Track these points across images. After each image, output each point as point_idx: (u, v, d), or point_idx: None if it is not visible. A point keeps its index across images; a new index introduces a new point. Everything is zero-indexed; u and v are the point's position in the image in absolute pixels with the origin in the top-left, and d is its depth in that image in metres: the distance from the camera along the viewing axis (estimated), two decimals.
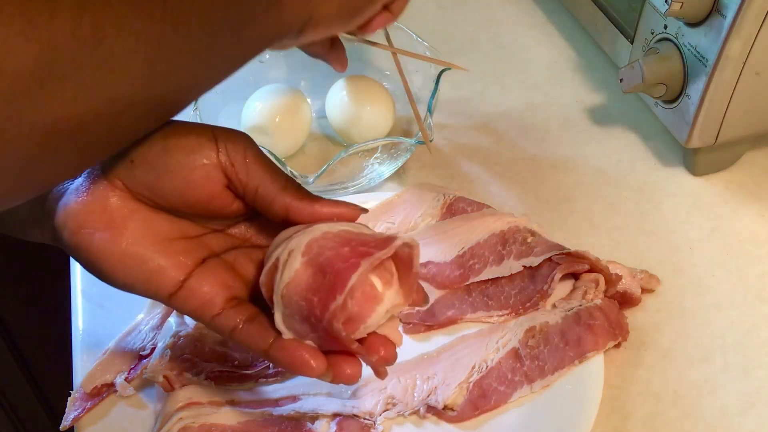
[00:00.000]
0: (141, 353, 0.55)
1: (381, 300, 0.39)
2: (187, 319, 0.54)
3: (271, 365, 0.54)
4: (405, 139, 0.64)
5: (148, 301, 0.57)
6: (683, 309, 0.59)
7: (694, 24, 0.60)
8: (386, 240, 0.39)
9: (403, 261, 0.40)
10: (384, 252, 0.38)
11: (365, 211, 0.42)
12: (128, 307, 0.58)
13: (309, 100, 0.71)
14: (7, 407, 1.21)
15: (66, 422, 0.52)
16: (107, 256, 0.40)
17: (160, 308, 0.57)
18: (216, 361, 0.54)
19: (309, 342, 0.40)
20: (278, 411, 0.52)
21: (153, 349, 0.54)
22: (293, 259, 0.39)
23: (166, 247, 0.41)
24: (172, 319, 0.55)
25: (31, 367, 1.19)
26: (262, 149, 0.42)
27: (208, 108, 0.66)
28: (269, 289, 0.40)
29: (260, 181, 0.41)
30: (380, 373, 0.42)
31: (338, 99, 0.68)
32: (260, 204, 0.41)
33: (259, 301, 0.42)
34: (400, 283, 0.40)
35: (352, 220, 0.42)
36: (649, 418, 0.53)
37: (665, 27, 0.63)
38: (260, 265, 0.42)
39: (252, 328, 0.41)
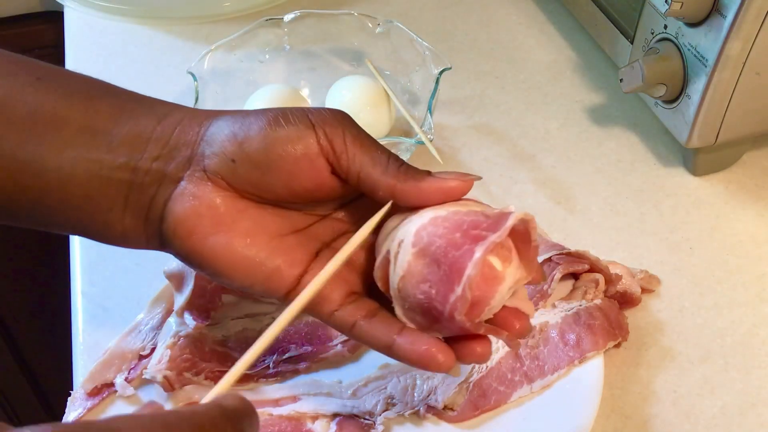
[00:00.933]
0: (141, 353, 0.55)
1: (503, 279, 0.37)
2: (188, 320, 0.54)
3: (271, 365, 0.54)
4: (405, 139, 0.64)
5: (149, 301, 0.57)
6: (683, 309, 0.59)
7: (694, 24, 0.60)
8: (499, 218, 0.37)
9: (520, 235, 0.37)
10: (498, 234, 0.36)
11: (478, 178, 0.40)
12: (128, 308, 0.58)
13: (309, 100, 0.71)
14: (7, 407, 1.21)
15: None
16: (223, 261, 0.39)
17: (160, 308, 0.57)
18: (216, 361, 0.54)
19: (435, 334, 0.38)
20: (278, 411, 0.52)
21: (153, 350, 0.54)
22: (404, 251, 0.37)
23: (280, 244, 0.40)
24: (172, 320, 0.55)
25: (31, 367, 1.19)
26: (361, 128, 0.41)
27: (208, 108, 0.66)
28: (385, 282, 0.39)
29: (361, 165, 0.39)
30: (514, 347, 0.41)
31: (338, 99, 0.68)
32: (365, 188, 0.40)
33: (375, 290, 0.40)
34: (520, 257, 0.38)
35: (463, 193, 0.39)
36: (649, 418, 0.53)
37: (665, 27, 0.63)
38: (372, 250, 0.41)
39: (373, 324, 0.40)
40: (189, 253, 0.40)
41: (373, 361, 0.54)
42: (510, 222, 0.36)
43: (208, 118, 0.41)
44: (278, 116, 0.39)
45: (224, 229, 0.39)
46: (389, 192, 0.39)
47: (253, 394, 0.53)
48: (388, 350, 0.39)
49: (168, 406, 0.51)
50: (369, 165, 0.39)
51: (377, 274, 0.39)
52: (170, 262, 0.56)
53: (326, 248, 0.42)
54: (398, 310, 0.38)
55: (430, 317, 0.37)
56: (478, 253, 0.35)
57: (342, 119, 0.40)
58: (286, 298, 0.40)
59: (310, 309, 0.40)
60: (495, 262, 0.37)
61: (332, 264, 0.38)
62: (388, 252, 0.38)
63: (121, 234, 0.41)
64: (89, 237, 0.42)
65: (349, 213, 0.43)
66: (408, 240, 0.37)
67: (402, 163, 0.40)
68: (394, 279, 0.38)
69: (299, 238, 0.41)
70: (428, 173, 0.39)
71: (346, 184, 0.40)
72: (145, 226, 0.40)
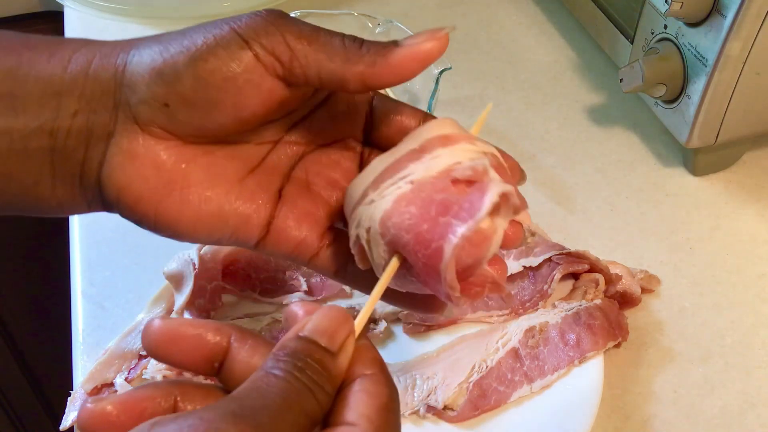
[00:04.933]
0: (141, 353, 0.55)
1: (491, 234, 0.33)
2: None
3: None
4: None
5: (149, 301, 0.57)
6: (683, 309, 0.59)
7: (694, 24, 0.60)
8: (473, 198, 0.32)
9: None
10: (469, 227, 0.32)
11: (452, 28, 0.35)
12: (128, 308, 0.58)
13: None
14: (7, 407, 1.21)
15: (66, 422, 0.52)
16: (182, 223, 0.35)
17: (160, 308, 0.57)
18: None
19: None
20: None
21: None
22: (375, 242, 0.34)
23: (240, 191, 0.36)
24: None
25: (31, 367, 1.19)
26: (300, 21, 0.35)
27: None
28: (365, 261, 0.36)
29: (318, 65, 0.34)
30: (502, 292, 0.36)
31: None
32: (331, 86, 0.35)
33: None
34: (500, 174, 0.35)
35: (441, 52, 0.34)
36: (649, 418, 0.53)
37: (665, 27, 0.63)
38: (338, 185, 0.38)
39: (355, 269, 0.37)
40: (140, 220, 0.36)
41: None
42: (485, 208, 0.32)
43: (123, 50, 0.35)
44: (205, 42, 0.33)
45: (176, 188, 0.35)
46: (360, 82, 0.34)
47: None
48: (369, 289, 0.36)
49: None
50: (326, 60, 0.34)
51: (355, 253, 0.36)
52: (170, 263, 0.56)
53: (288, 183, 0.39)
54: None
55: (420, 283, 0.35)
56: (447, 253, 0.32)
57: (275, 20, 0.34)
58: (258, 248, 0.38)
59: (289, 258, 0.38)
60: (483, 223, 0.33)
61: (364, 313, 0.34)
62: (358, 238, 0.35)
63: (57, 205, 0.36)
64: (25, 214, 0.38)
65: (301, 132, 0.39)
66: (375, 229, 0.34)
67: (361, 42, 0.35)
68: (377, 268, 0.35)
69: (258, 178, 0.37)
70: (394, 44, 0.34)
71: (304, 92, 0.36)
72: (83, 193, 0.36)
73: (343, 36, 0.34)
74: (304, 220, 0.38)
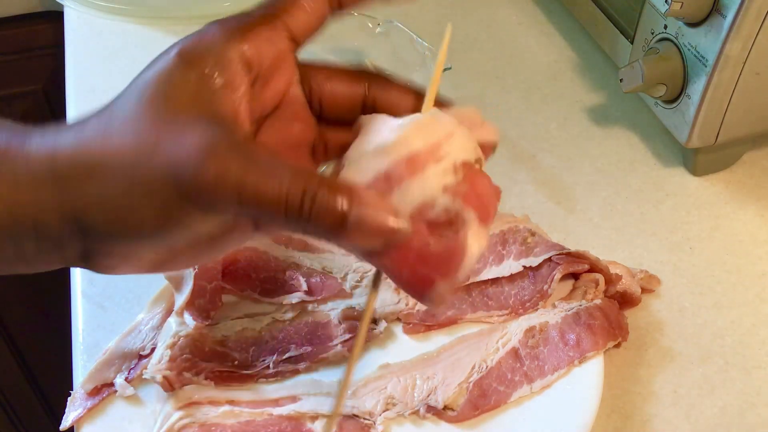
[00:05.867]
0: (141, 353, 0.55)
1: (466, 248, 0.34)
2: (188, 320, 0.54)
3: (270, 365, 0.54)
4: None
5: (149, 301, 0.57)
6: (683, 309, 0.59)
7: (694, 24, 0.60)
8: (453, 252, 0.34)
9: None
10: (452, 281, 0.33)
11: (406, 229, 0.33)
12: (128, 308, 0.58)
13: None
14: (7, 407, 1.21)
15: (66, 422, 0.52)
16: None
17: (160, 308, 0.57)
18: (216, 361, 0.54)
19: None
20: (278, 411, 0.52)
21: (153, 349, 0.54)
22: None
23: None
24: (172, 320, 0.55)
25: (31, 367, 1.19)
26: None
27: None
28: None
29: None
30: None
31: None
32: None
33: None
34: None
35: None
36: (649, 418, 0.53)
37: (665, 27, 0.63)
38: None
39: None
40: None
41: (373, 361, 0.54)
42: (463, 270, 0.33)
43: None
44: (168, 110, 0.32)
45: (167, 265, 0.36)
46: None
47: (253, 394, 0.53)
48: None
49: (168, 406, 0.51)
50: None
51: None
52: None
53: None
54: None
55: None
56: (427, 302, 0.34)
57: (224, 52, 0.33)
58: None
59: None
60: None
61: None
62: None
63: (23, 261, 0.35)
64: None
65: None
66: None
67: (310, 199, 0.31)
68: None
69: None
70: (342, 218, 0.32)
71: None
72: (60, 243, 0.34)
73: (287, 195, 0.31)
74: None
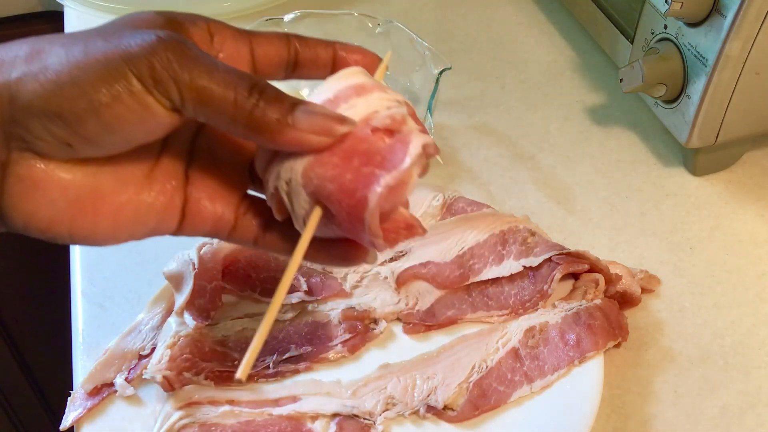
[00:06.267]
0: (141, 353, 0.55)
1: (410, 177, 0.34)
2: (188, 320, 0.54)
3: (270, 365, 0.54)
4: None
5: (149, 301, 0.57)
6: (683, 309, 0.59)
7: (694, 24, 0.60)
8: (395, 148, 0.33)
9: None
10: (393, 176, 0.33)
11: (352, 124, 0.34)
12: (128, 307, 0.58)
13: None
14: (7, 407, 1.21)
15: (66, 422, 0.52)
16: (98, 233, 0.35)
17: (160, 308, 0.57)
18: (216, 360, 0.54)
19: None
20: (278, 411, 0.52)
21: (153, 349, 0.54)
22: (297, 194, 0.35)
23: (150, 187, 0.36)
24: (172, 320, 0.55)
25: (31, 367, 1.19)
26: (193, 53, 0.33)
27: None
28: (282, 211, 0.36)
29: (207, 113, 0.33)
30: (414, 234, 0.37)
31: None
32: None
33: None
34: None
35: (325, 146, 0.34)
36: (649, 419, 0.53)
37: (665, 27, 0.63)
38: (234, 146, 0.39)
39: (272, 234, 0.38)
40: (54, 239, 0.35)
41: (373, 361, 0.54)
42: (409, 160, 0.33)
43: (2, 74, 0.32)
44: (104, 85, 0.32)
45: (87, 204, 0.34)
46: (246, 137, 0.34)
47: (253, 394, 0.53)
48: (290, 252, 0.36)
49: (168, 406, 0.51)
50: (214, 113, 0.33)
51: (272, 204, 0.37)
52: (170, 263, 0.56)
53: (193, 160, 0.38)
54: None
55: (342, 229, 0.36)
56: (372, 202, 0.33)
57: (173, 55, 0.33)
58: (178, 233, 0.38)
59: (209, 235, 0.39)
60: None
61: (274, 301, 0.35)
62: (277, 190, 0.35)
63: None
64: None
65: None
66: (297, 180, 0.34)
67: (256, 95, 0.33)
68: (297, 219, 0.36)
69: (164, 166, 0.37)
70: (290, 111, 0.33)
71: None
72: None
73: (236, 86, 0.33)
74: (216, 197, 0.38)
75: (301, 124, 0.33)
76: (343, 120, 0.34)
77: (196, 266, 0.55)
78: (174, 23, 0.35)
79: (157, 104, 0.33)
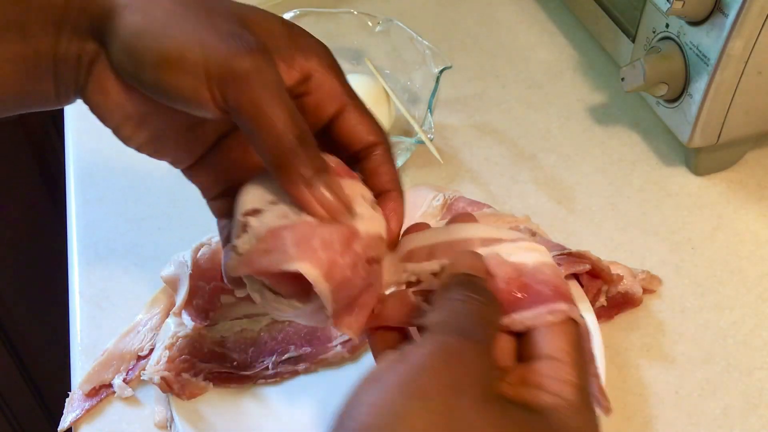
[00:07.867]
0: (139, 354, 0.54)
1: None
2: (186, 321, 0.54)
3: (270, 365, 0.53)
4: (405, 138, 0.64)
5: (147, 302, 0.57)
6: (685, 309, 0.59)
7: (696, 23, 0.59)
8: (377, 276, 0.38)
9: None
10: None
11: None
12: (126, 308, 0.58)
13: None
14: (5, 408, 1.21)
15: (64, 423, 0.52)
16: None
17: (159, 309, 0.56)
18: (215, 361, 0.53)
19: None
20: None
21: (151, 350, 0.54)
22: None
23: (184, 133, 0.40)
24: (171, 320, 0.55)
25: (29, 368, 1.19)
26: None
27: None
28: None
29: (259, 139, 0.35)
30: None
31: None
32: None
33: None
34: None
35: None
36: (650, 420, 0.52)
37: (667, 26, 0.63)
38: None
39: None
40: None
41: (373, 361, 0.54)
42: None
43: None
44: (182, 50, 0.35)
45: (132, 123, 0.38)
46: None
47: (255, 399, 0.53)
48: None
49: (168, 407, 0.51)
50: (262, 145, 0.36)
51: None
52: (166, 267, 0.56)
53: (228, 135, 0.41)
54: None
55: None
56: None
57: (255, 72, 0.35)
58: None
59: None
60: None
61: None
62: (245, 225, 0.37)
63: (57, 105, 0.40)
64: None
65: None
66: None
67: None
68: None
69: (208, 125, 0.40)
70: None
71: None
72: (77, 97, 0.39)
73: (290, 125, 0.35)
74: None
75: (316, 190, 0.35)
76: (349, 212, 0.36)
77: (189, 267, 0.54)
78: (288, 46, 0.37)
79: (211, 101, 0.35)
